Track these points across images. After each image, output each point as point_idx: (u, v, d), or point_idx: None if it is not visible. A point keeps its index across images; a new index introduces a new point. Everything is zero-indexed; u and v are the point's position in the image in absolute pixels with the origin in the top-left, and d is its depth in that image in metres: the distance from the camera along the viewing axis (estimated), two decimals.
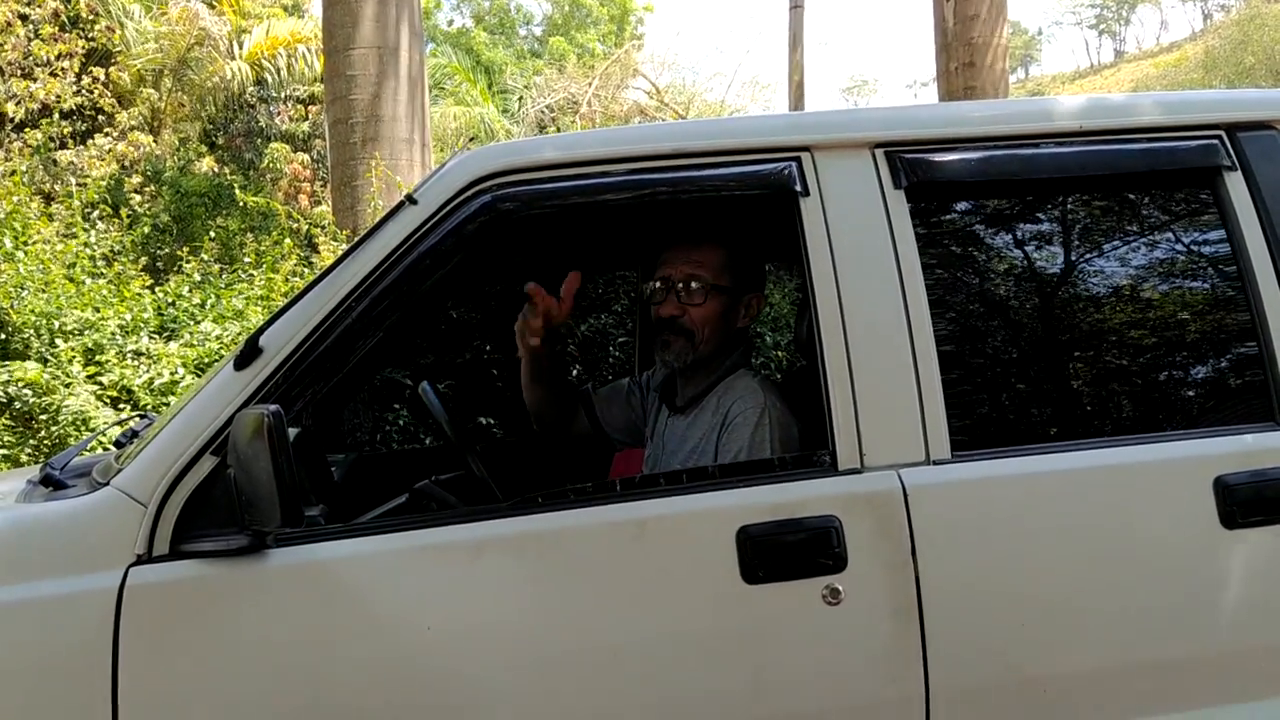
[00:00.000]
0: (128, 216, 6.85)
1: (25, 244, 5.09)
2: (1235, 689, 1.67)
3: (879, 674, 1.59)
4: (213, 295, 5.29)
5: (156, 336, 4.91)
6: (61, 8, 10.85)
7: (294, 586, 1.53)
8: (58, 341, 4.56)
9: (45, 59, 10.08)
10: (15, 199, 5.41)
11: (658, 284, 2.03)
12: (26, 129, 9.52)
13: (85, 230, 5.77)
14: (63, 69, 10.22)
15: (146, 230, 7.56)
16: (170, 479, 1.52)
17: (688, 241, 2.04)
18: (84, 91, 10.46)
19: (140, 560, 1.50)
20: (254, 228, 7.94)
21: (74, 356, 4.43)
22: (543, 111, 16.70)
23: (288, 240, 6.00)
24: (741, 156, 1.75)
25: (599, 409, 2.32)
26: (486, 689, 1.53)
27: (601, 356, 4.45)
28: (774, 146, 1.75)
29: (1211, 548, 1.66)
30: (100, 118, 10.99)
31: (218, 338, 4.85)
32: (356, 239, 1.71)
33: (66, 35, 10.62)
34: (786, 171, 1.73)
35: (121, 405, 4.45)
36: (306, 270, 5.92)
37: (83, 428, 4.15)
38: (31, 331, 4.56)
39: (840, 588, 1.57)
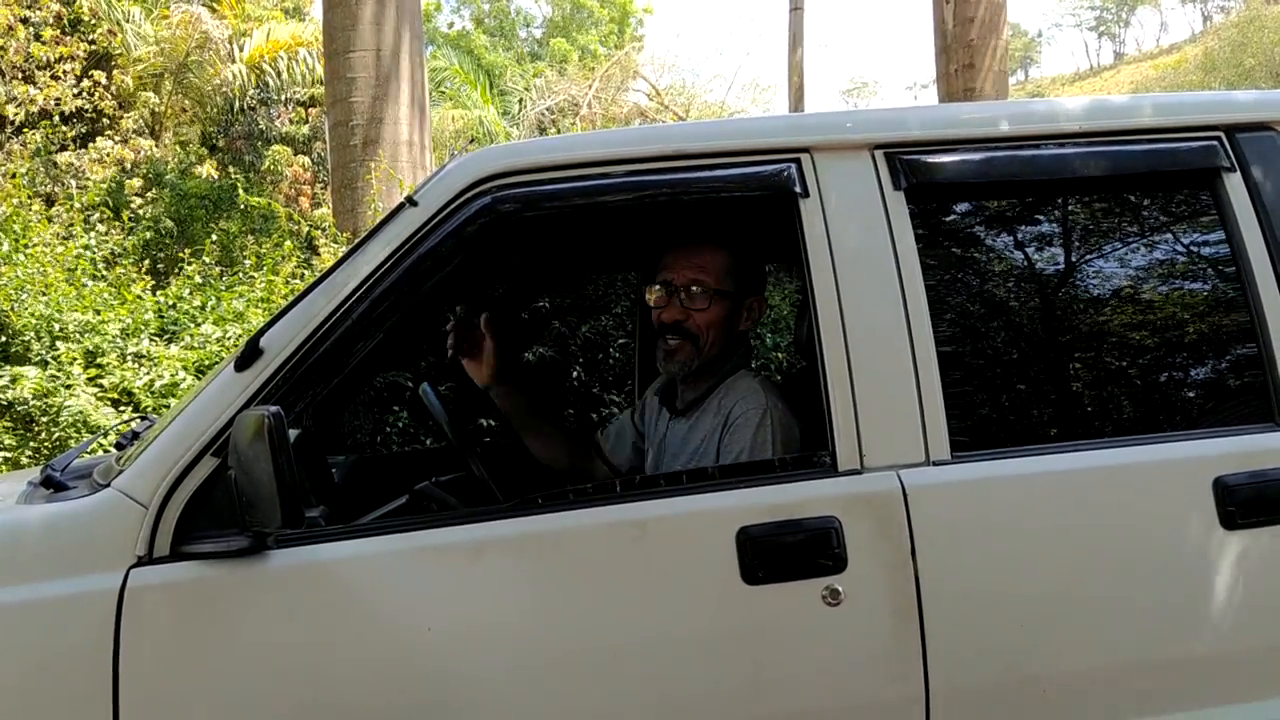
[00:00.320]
0: (129, 219, 6.85)
1: (25, 247, 5.09)
2: (1235, 689, 1.67)
3: (879, 674, 1.59)
4: (213, 297, 5.29)
5: (157, 339, 4.92)
6: (64, 11, 10.87)
7: (295, 588, 1.53)
8: (58, 344, 4.56)
9: (46, 61, 10.09)
10: (15, 201, 5.42)
11: (659, 288, 2.04)
12: (26, 130, 9.53)
13: (85, 233, 5.78)
14: (64, 72, 10.24)
15: (148, 234, 7.57)
16: (171, 480, 1.52)
17: (689, 244, 2.05)
18: (85, 95, 10.48)
19: (141, 561, 1.50)
20: (255, 230, 7.95)
21: (75, 359, 4.43)
22: (543, 114, 16.71)
23: (288, 242, 6.00)
24: (741, 158, 1.75)
25: (610, 448, 2.32)
26: (486, 690, 1.53)
27: (602, 358, 4.45)
28: (774, 148, 1.75)
29: (1211, 548, 1.66)
30: (101, 121, 11.00)
31: (218, 340, 4.85)
32: (357, 241, 1.71)
33: (68, 39, 10.63)
34: (786, 173, 1.73)
35: (122, 407, 4.45)
36: (307, 272, 5.93)
37: (83, 430, 4.15)
38: (32, 334, 4.56)
39: (840, 588, 1.57)
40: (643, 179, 1.72)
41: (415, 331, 3.31)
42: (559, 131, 15.44)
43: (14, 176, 5.87)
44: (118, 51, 11.49)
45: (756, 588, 1.56)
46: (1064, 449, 1.72)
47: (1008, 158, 1.78)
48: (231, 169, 11.46)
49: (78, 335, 4.64)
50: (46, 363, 4.44)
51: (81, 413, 4.15)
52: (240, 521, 1.49)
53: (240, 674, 1.49)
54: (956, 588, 1.61)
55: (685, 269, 2.01)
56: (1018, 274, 1.88)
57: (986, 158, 1.78)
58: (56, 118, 9.73)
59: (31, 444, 4.24)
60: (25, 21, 10.39)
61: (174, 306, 5.22)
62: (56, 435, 4.18)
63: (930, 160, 1.76)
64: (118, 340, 4.71)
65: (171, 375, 4.53)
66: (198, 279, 5.54)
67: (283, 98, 12.92)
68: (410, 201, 1.67)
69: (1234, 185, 1.80)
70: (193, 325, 5.04)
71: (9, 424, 4.22)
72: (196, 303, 5.27)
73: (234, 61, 12.24)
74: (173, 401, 4.35)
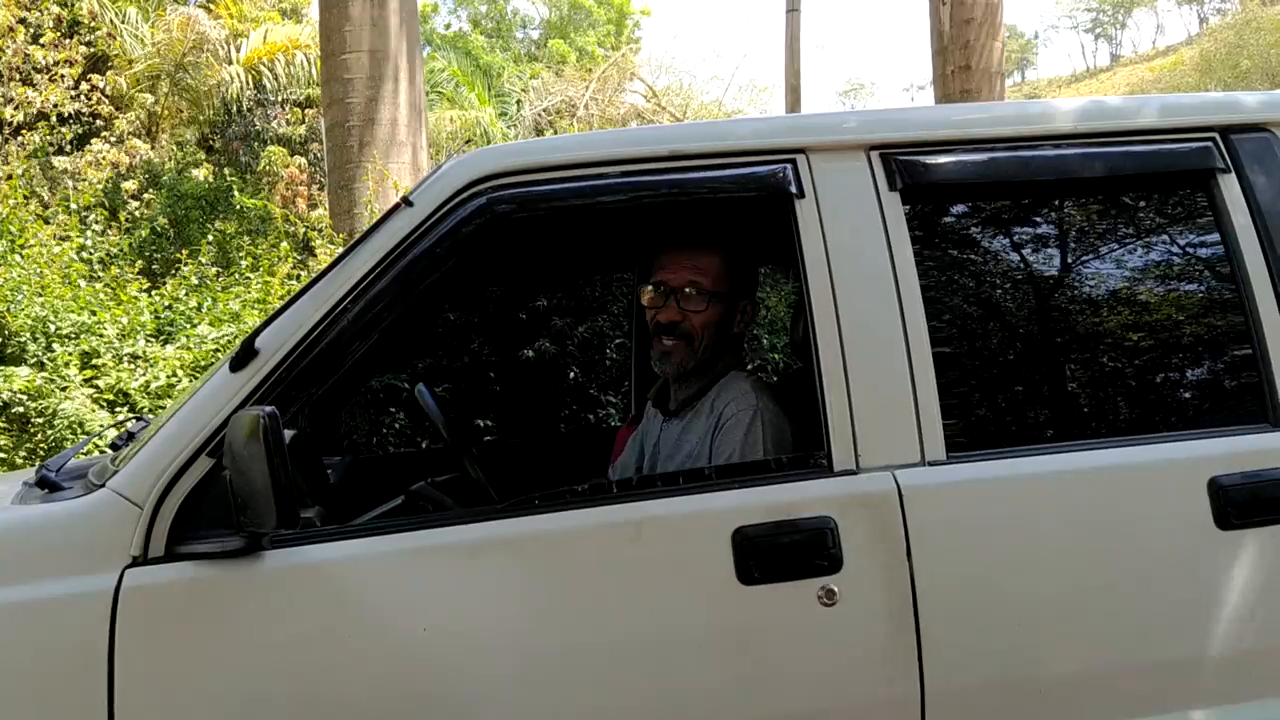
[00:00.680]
0: (125, 220, 6.84)
1: (22, 248, 5.09)
2: (1230, 689, 1.67)
3: (874, 674, 1.59)
4: (209, 298, 5.29)
5: (153, 340, 4.91)
6: (63, 13, 10.85)
7: (290, 588, 1.53)
8: (54, 345, 4.56)
9: (45, 64, 10.08)
10: (11, 203, 5.41)
11: (655, 289, 2.04)
12: (24, 131, 9.52)
13: (81, 234, 5.77)
14: (62, 75, 10.22)
15: (144, 235, 7.56)
16: (166, 481, 1.52)
17: (685, 245, 2.04)
18: (82, 97, 10.46)
19: (136, 562, 1.50)
20: (251, 231, 7.94)
21: (70, 360, 4.42)
22: (540, 115, 16.71)
23: (284, 243, 6.00)
24: (737, 159, 1.75)
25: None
26: (482, 690, 1.53)
27: (599, 359, 4.45)
28: (769, 149, 1.75)
29: (1205, 549, 1.66)
30: (98, 123, 10.99)
31: (214, 340, 4.85)
32: (352, 241, 1.71)
33: (68, 41, 10.62)
34: (782, 173, 1.73)
35: (118, 408, 4.45)
36: (303, 273, 5.93)
37: (79, 430, 4.15)
38: (28, 335, 4.56)
39: (836, 589, 1.57)
40: (638, 179, 1.72)
41: (411, 332, 3.31)
42: (556, 132, 15.45)
43: (10, 178, 5.86)
44: (114, 54, 11.48)
45: (752, 588, 1.56)
46: (1059, 449, 1.73)
47: (1003, 159, 1.79)
48: (227, 170, 11.46)
49: (74, 336, 4.64)
50: (43, 364, 4.44)
51: (76, 414, 4.14)
52: (235, 522, 1.49)
53: (235, 674, 1.49)
54: (952, 588, 1.61)
55: (682, 270, 2.01)
56: (1013, 274, 1.88)
57: (982, 159, 1.78)
58: (54, 118, 9.72)
59: (27, 445, 4.24)
60: (24, 23, 10.38)
61: (170, 307, 5.22)
62: (52, 436, 4.17)
63: (926, 161, 1.76)
64: (114, 341, 4.71)
65: (167, 376, 4.53)
66: (194, 280, 5.54)
67: (279, 98, 12.91)
68: (406, 202, 1.67)
69: (1229, 186, 1.81)
70: (189, 326, 5.04)
71: (4, 425, 4.21)
72: (192, 304, 5.27)
73: (231, 63, 12.23)
74: (168, 402, 4.35)
